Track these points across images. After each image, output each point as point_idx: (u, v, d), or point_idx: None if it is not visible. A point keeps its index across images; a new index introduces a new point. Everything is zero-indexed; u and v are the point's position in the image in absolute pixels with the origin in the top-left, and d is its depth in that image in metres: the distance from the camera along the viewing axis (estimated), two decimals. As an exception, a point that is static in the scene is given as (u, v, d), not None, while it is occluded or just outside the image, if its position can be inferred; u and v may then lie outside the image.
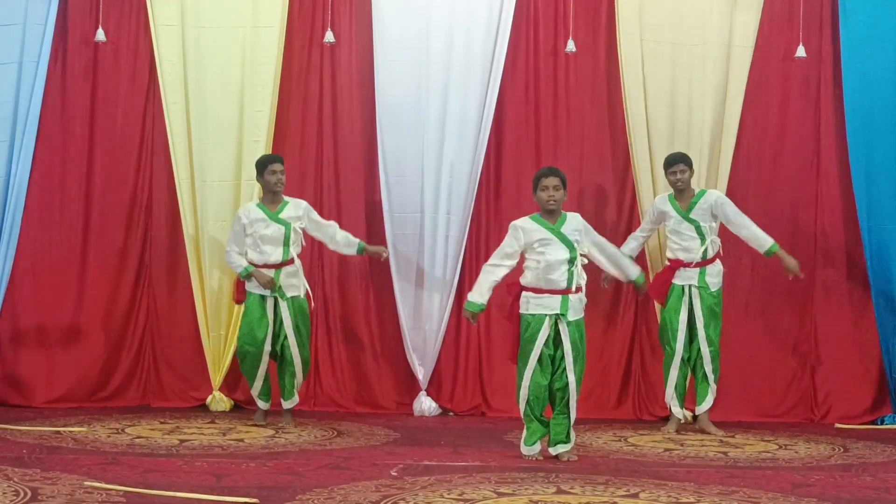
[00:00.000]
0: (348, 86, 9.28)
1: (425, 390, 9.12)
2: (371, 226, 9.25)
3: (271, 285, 8.17)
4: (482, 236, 9.25)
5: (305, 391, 9.15)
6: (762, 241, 8.29)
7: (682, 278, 8.28)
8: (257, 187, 8.64)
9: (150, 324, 9.19)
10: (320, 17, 9.17)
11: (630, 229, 9.15)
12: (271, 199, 8.30)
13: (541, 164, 9.05)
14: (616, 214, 9.23)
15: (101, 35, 8.83)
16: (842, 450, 7.77)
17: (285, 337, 8.19)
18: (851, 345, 9.17)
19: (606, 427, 8.55)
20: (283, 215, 8.25)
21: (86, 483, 5.93)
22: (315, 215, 8.44)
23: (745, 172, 9.14)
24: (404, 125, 9.11)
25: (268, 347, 8.18)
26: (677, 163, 8.37)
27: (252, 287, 8.22)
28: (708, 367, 8.25)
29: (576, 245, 7.06)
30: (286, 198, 8.35)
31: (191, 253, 8.98)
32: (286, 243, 8.22)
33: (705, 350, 8.21)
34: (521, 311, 7.07)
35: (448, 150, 9.10)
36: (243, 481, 6.20)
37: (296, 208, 8.34)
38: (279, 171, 8.27)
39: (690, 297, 8.25)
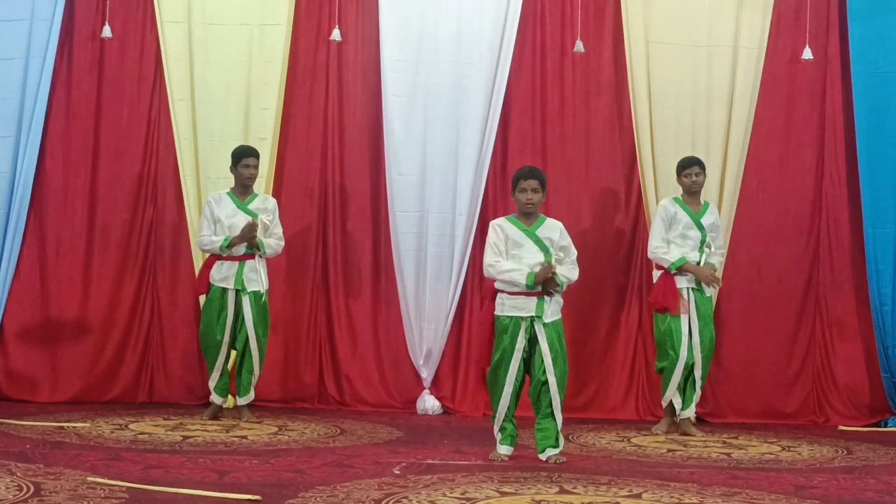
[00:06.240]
0: (355, 84, 9.28)
1: (429, 389, 9.12)
2: (376, 224, 9.24)
3: (252, 230, 8.11)
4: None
5: (309, 390, 9.18)
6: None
7: (684, 282, 8.24)
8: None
9: (154, 320, 9.19)
10: (327, 14, 9.17)
11: (636, 229, 9.15)
12: (242, 190, 8.36)
13: (548, 164, 9.06)
14: (623, 214, 9.22)
15: (107, 31, 8.83)
16: (845, 452, 7.76)
17: (246, 331, 8.21)
18: (855, 347, 9.15)
19: (610, 427, 8.54)
20: (251, 206, 8.29)
21: (89, 479, 5.93)
22: (276, 217, 8.36)
23: (751, 174, 9.12)
24: (411, 123, 9.10)
25: (227, 340, 8.25)
26: (692, 165, 8.31)
27: (216, 279, 8.23)
28: (698, 373, 8.21)
29: (550, 248, 6.98)
30: (257, 192, 8.40)
31: (195, 249, 8.96)
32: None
33: (698, 355, 8.19)
34: (497, 312, 6.98)
35: (454, 149, 9.10)
36: (246, 478, 6.20)
37: (264, 202, 8.38)
38: (252, 166, 8.32)
39: (688, 302, 8.23)
